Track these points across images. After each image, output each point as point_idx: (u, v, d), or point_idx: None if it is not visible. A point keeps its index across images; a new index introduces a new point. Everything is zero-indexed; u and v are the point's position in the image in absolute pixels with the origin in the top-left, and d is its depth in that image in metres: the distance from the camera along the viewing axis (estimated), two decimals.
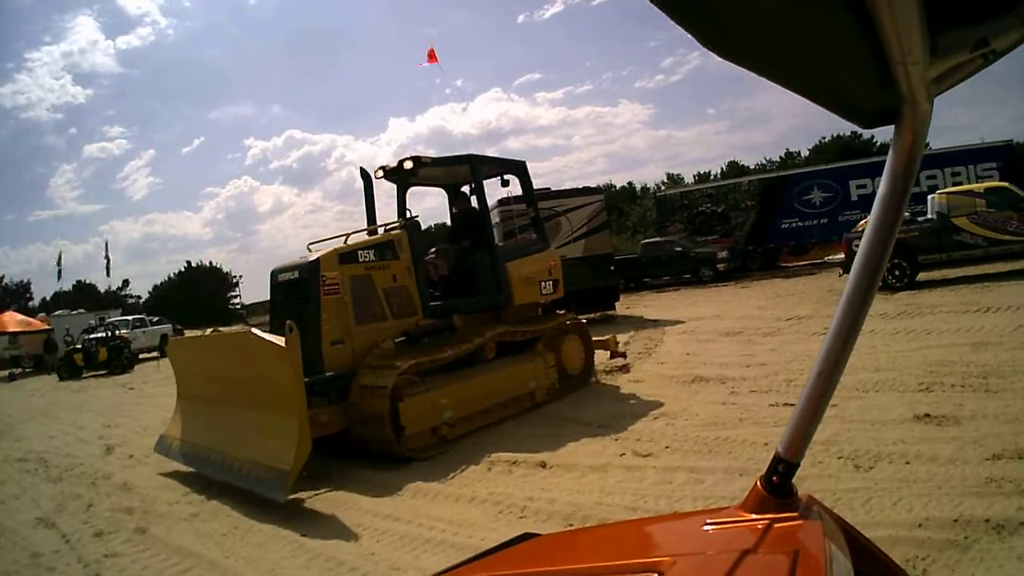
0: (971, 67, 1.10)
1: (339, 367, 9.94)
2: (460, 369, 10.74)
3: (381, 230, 11.49)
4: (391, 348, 10.40)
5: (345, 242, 10.77)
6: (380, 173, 12.33)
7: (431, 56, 16.26)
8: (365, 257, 10.56)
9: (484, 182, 12.61)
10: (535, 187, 23.62)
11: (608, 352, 14.36)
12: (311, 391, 9.24)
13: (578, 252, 24.49)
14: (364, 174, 12.42)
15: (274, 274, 10.83)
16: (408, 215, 12.64)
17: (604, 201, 26.81)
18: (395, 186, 13.33)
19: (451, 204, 13.50)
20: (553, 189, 26.04)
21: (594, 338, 13.95)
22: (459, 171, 12.72)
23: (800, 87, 1.12)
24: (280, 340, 8.52)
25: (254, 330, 9.49)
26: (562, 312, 13.65)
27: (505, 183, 12.87)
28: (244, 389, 9.43)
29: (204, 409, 10.54)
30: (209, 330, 12.29)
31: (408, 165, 11.74)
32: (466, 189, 13.23)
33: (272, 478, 8.23)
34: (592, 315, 23.68)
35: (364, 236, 11.28)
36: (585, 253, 24.82)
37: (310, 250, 10.88)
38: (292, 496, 8.40)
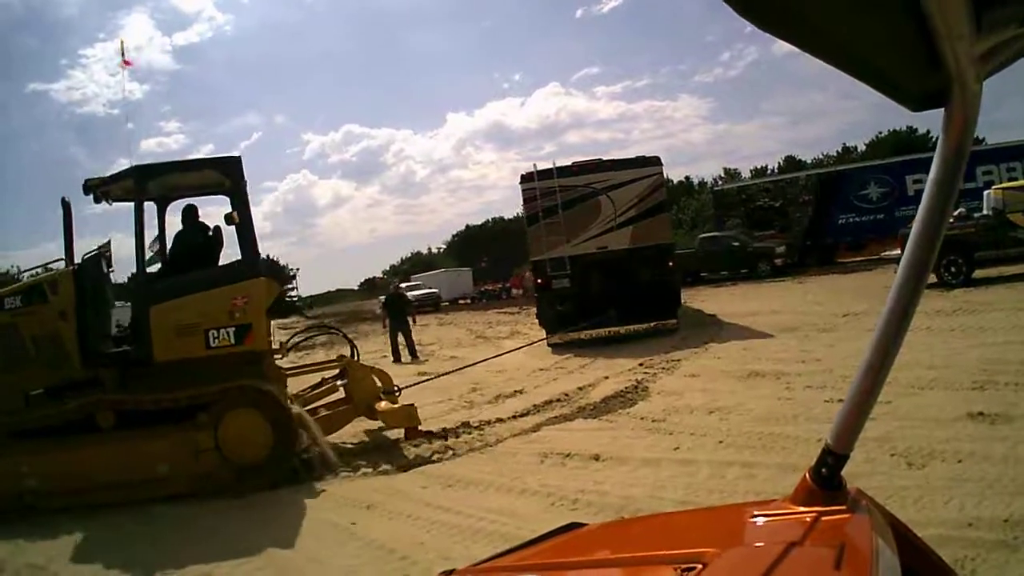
0: (1019, 44, 1.08)
1: None
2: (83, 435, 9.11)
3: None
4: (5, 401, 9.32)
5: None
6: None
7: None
8: (12, 303, 9.53)
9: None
10: (587, 159, 20.84)
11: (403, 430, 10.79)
12: None
13: (623, 242, 19.78)
14: (64, 204, 10.13)
15: None
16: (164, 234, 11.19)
17: (662, 175, 21.12)
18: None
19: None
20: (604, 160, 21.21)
21: (384, 406, 10.92)
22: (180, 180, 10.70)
23: (847, 66, 1.12)
24: None
25: None
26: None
27: (229, 219, 10.05)
28: None
29: None
30: None
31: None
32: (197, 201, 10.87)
33: None
34: (644, 326, 20.00)
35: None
36: (633, 243, 19.66)
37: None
38: (347, 483, 8.79)
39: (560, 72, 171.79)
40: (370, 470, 9.45)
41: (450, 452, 9.80)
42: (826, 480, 1.50)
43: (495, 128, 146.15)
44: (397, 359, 21.93)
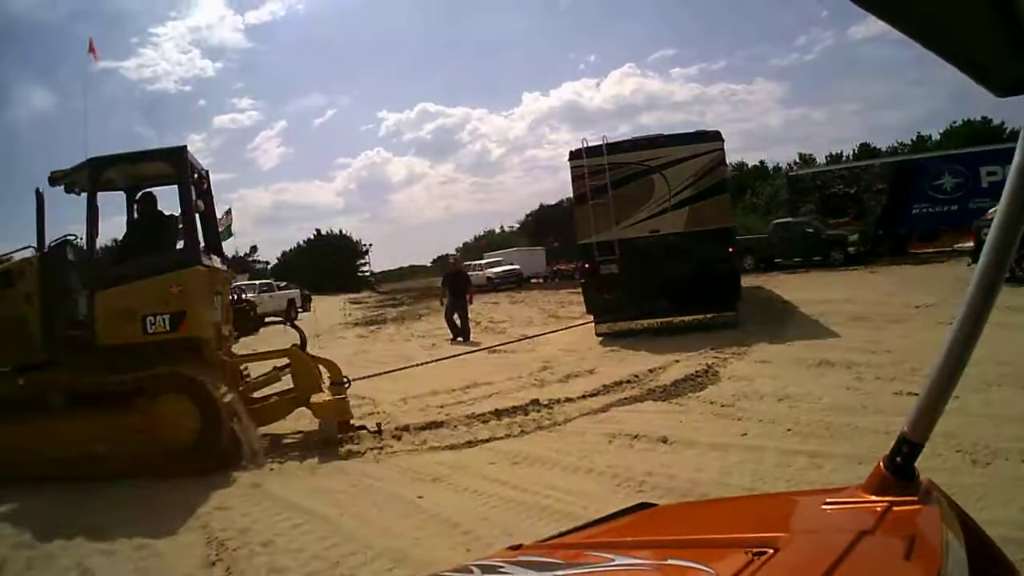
0: None
1: None
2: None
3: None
4: None
5: None
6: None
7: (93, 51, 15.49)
8: None
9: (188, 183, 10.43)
10: (641, 135, 18.99)
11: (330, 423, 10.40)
12: None
13: (678, 225, 17.84)
14: (37, 194, 10.14)
15: None
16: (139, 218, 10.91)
17: (723, 151, 18.61)
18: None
19: None
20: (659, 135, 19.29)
21: (317, 398, 10.51)
22: (140, 171, 10.98)
23: (935, 46, 1.12)
24: None
25: None
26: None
27: (195, 208, 10.41)
28: None
29: None
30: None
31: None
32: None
33: None
34: (699, 317, 18.18)
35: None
36: (689, 227, 17.70)
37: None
38: (415, 456, 8.94)
39: (635, 53, 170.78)
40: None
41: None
42: (900, 469, 1.51)
43: (570, 108, 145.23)
44: (463, 337, 21.20)
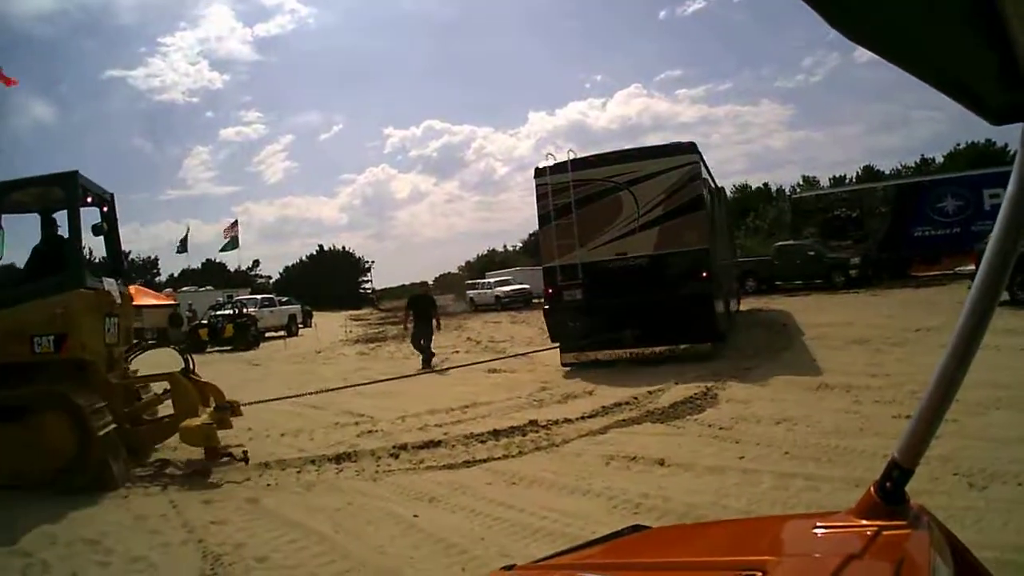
0: None
1: None
2: None
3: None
4: None
5: None
6: None
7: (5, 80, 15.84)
8: None
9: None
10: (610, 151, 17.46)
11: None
12: None
13: (647, 247, 16.52)
14: None
15: None
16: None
17: (698, 164, 17.04)
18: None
19: None
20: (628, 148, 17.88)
21: (186, 423, 10.25)
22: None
23: (929, 76, 1.12)
24: None
25: None
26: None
27: (96, 230, 11.06)
28: None
29: None
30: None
31: None
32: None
33: None
34: (666, 349, 16.39)
35: None
36: (659, 249, 16.38)
37: None
38: (412, 476, 8.88)
39: (642, 73, 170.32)
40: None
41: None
42: (890, 494, 1.52)
43: (576, 128, 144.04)
44: (425, 362, 20.65)
